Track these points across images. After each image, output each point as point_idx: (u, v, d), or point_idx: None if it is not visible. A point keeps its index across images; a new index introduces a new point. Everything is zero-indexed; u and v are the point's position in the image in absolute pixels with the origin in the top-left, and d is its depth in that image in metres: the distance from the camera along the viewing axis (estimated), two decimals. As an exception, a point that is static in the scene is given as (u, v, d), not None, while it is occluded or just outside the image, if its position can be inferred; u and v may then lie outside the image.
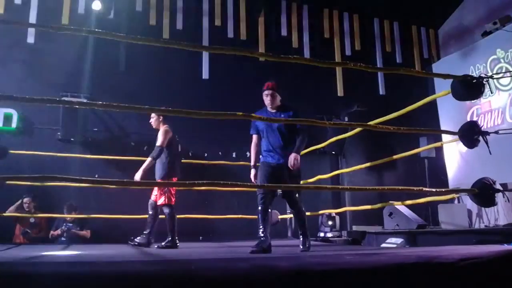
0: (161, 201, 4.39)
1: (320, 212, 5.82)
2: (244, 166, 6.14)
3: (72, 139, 6.23)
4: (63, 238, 5.57)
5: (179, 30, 7.24)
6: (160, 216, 4.66)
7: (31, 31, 6.46)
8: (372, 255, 2.18)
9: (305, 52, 7.78)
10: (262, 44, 7.62)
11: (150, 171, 4.51)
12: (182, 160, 5.99)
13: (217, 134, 6.91)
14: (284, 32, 7.85)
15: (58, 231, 5.62)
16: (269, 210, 3.54)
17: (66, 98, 5.76)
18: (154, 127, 4.74)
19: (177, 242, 4.30)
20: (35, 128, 6.38)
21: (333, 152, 7.44)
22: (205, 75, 7.29)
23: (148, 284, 1.62)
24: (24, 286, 1.50)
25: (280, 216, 5.76)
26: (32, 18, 6.45)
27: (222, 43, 6.97)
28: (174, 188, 4.45)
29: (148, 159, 4.39)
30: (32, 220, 5.63)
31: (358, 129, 4.48)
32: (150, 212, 4.56)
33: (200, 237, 6.31)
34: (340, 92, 7.89)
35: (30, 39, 6.47)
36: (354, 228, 6.65)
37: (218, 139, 7.02)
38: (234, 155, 7.08)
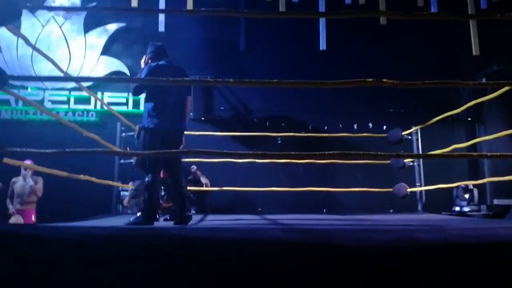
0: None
1: (455, 184, 5.34)
2: (367, 138, 5.94)
3: (202, 118, 6.71)
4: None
5: (295, 3, 7.20)
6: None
7: (162, 20, 7.08)
8: (531, 229, 1.92)
9: (433, 10, 7.10)
10: (383, 6, 7.15)
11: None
12: (302, 134, 6.04)
13: (336, 107, 6.79)
14: (407, -10, 7.28)
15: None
16: None
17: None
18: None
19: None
20: (171, 110, 7.01)
21: (469, 119, 6.73)
22: (323, 46, 7.17)
23: (287, 250, 1.67)
24: (186, 248, 1.67)
25: (409, 189, 5.45)
26: (162, 6, 7.05)
27: (339, 11, 6.77)
28: None
29: None
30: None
31: (500, 91, 3.95)
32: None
33: (324, 210, 6.33)
34: (475, 51, 7.07)
35: (161, 28, 7.10)
36: (496, 201, 6.00)
37: (337, 112, 6.90)
38: (355, 126, 6.87)
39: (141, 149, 3.34)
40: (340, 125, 6.84)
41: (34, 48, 3.24)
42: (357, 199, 6.22)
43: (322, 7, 7.13)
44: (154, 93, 3.26)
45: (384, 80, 2.24)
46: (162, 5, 7.10)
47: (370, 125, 6.80)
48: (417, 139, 5.63)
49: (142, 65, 3.56)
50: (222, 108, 7.05)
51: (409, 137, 5.64)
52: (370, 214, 5.12)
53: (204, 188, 6.05)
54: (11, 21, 2.44)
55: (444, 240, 1.72)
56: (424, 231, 1.96)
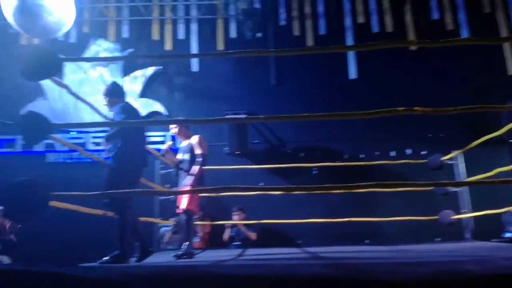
0: (184, 205, 4.04)
1: (503, 210, 5.07)
2: (405, 165, 5.77)
3: (237, 152, 6.78)
4: (236, 242, 5.99)
5: (322, 35, 7.32)
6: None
7: (195, 60, 7.39)
8: None
9: (462, 33, 7.03)
10: (411, 33, 7.15)
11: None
12: (337, 163, 5.98)
13: (372, 134, 6.71)
14: (435, 16, 7.26)
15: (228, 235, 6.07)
16: None
17: (228, 116, 6.34)
18: (179, 136, 4.55)
19: (194, 251, 4.01)
20: (207, 146, 7.16)
21: (512, 140, 6.45)
22: (353, 75, 7.19)
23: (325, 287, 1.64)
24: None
25: (455, 216, 5.22)
26: (194, 49, 7.37)
27: (367, 40, 6.78)
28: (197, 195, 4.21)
29: (197, 168, 4.09)
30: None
31: (544, 110, 3.81)
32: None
33: (366, 241, 6.14)
34: (511, 70, 6.87)
35: (195, 68, 7.40)
36: (550, 226, 5.61)
37: (373, 139, 6.81)
38: (393, 154, 6.73)
39: (109, 188, 3.19)
40: (377, 153, 6.71)
41: (77, 96, 3.45)
42: (400, 228, 5.99)
43: (349, 37, 7.21)
44: (129, 133, 3.47)
45: (416, 108, 2.22)
46: (194, 47, 7.43)
47: (409, 151, 6.64)
48: (458, 164, 5.43)
49: (106, 102, 3.70)
50: (256, 141, 7.12)
51: (451, 162, 5.46)
52: (415, 243, 4.92)
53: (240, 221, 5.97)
54: (54, 74, 2.62)
55: (493, 272, 1.64)
56: (470, 262, 1.86)
